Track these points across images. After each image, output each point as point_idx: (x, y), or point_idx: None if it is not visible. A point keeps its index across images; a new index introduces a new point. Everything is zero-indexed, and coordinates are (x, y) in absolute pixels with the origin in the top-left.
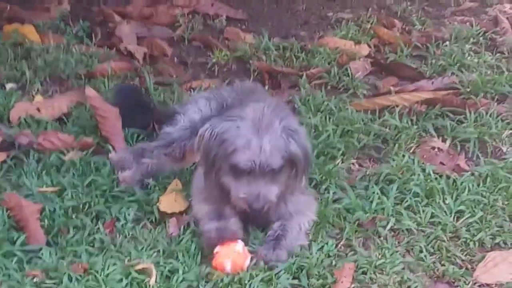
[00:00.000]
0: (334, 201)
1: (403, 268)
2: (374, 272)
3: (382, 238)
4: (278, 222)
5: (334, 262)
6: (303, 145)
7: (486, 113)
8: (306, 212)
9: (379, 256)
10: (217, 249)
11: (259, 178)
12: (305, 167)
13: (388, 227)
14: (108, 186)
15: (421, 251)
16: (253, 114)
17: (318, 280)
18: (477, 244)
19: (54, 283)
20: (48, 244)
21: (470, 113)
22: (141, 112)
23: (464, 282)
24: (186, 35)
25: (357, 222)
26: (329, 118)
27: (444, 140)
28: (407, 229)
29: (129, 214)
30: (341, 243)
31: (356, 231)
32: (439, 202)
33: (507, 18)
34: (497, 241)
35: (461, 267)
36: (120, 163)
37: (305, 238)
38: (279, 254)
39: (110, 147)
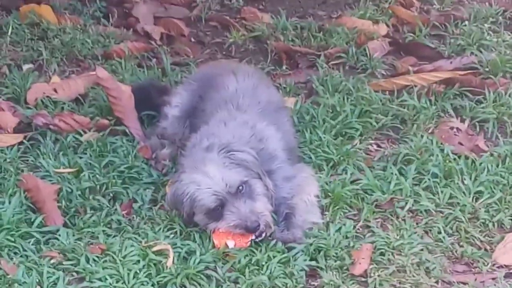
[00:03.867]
0: (352, 182)
1: (422, 249)
2: (392, 253)
3: (400, 219)
4: (284, 204)
5: (351, 243)
6: (246, 152)
7: (505, 93)
8: (306, 188)
9: (397, 237)
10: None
11: (236, 202)
12: (259, 169)
13: (407, 208)
14: (125, 167)
15: (439, 232)
16: (189, 157)
17: (335, 261)
18: (496, 225)
19: (72, 264)
20: (65, 225)
21: (489, 93)
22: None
23: (483, 263)
24: (203, 15)
25: (375, 203)
26: (347, 98)
27: (462, 121)
28: (425, 210)
29: (146, 196)
30: (359, 224)
31: (374, 212)
32: (457, 183)
33: None
34: None
35: (480, 248)
36: (153, 147)
37: (318, 215)
38: (294, 233)
39: (127, 129)
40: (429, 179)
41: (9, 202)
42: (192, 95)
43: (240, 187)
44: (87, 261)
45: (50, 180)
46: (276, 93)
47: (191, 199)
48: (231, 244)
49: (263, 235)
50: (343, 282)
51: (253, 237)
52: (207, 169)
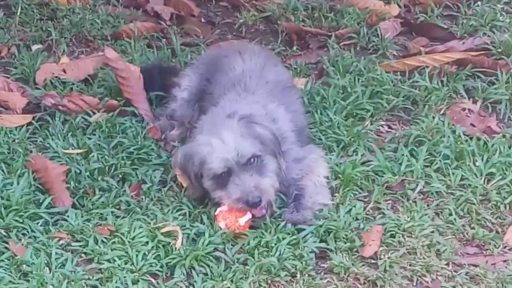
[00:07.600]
0: (363, 163)
1: (432, 231)
2: (403, 235)
3: (411, 201)
4: (293, 185)
5: (362, 225)
6: (266, 127)
7: None
8: (316, 169)
9: (408, 219)
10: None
11: (243, 173)
12: (276, 147)
13: (417, 189)
14: (134, 148)
15: (450, 214)
16: (208, 120)
17: (345, 243)
18: (507, 207)
19: (80, 245)
20: (74, 206)
21: (502, 74)
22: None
23: (494, 245)
24: None
25: (385, 185)
26: (358, 79)
27: (475, 102)
28: (436, 192)
29: (155, 177)
30: (369, 206)
31: (384, 193)
32: (469, 165)
33: None
34: None
35: (491, 230)
36: (163, 128)
37: (327, 196)
38: (304, 214)
39: (136, 110)
40: (440, 161)
41: (18, 183)
42: (200, 78)
43: (252, 160)
44: (96, 242)
45: (59, 161)
46: (284, 72)
47: (201, 161)
48: (222, 225)
49: (263, 212)
50: (353, 264)
51: (253, 214)
52: (223, 135)
